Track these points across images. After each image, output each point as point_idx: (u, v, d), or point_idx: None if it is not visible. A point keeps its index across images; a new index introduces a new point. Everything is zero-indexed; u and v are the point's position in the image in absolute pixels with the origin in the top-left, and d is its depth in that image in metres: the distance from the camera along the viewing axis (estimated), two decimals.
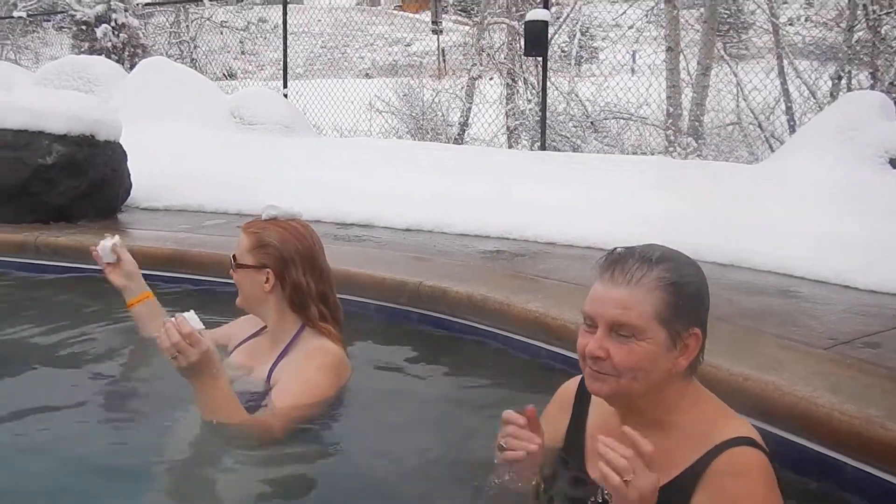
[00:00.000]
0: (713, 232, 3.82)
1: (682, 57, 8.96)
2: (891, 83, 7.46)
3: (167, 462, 1.98)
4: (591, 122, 9.58)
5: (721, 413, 1.54)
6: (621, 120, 9.38)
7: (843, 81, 8.24)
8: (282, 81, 9.80)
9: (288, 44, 9.94)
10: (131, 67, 8.67)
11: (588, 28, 11.66)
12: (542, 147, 7.52)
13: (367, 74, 14.28)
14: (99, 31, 10.07)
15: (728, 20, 10.29)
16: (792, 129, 8.10)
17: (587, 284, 1.54)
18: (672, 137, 7.76)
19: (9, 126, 4.47)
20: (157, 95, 6.90)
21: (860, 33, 8.31)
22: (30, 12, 14.76)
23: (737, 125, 8.86)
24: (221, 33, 13.49)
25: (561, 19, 10.45)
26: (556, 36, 10.03)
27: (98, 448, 2.03)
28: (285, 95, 9.25)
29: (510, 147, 9.76)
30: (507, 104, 10.30)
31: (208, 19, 13.32)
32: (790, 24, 9.64)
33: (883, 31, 8.06)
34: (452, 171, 5.56)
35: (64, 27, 13.23)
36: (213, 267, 3.41)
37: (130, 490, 1.85)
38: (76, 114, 4.63)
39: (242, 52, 14.61)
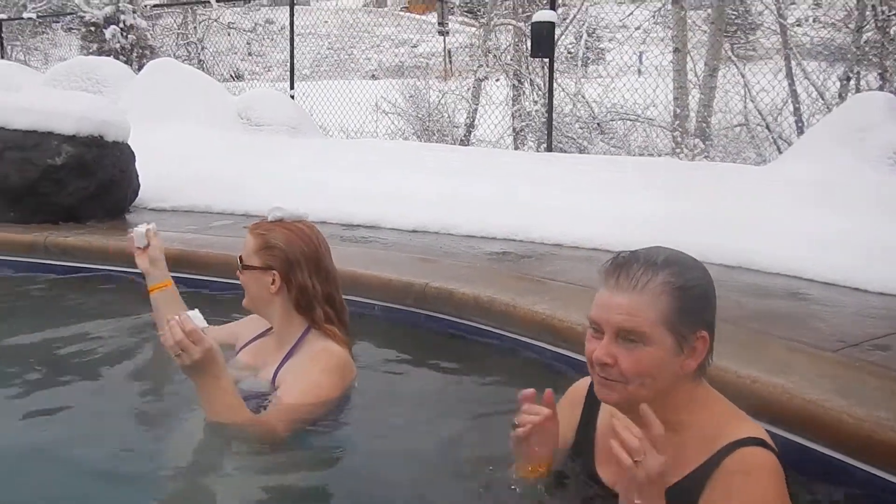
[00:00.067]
0: (720, 234, 3.81)
1: (689, 58, 8.95)
2: None
3: (170, 463, 1.98)
4: (598, 124, 9.57)
5: (731, 414, 1.53)
6: (628, 121, 9.37)
7: (852, 82, 8.21)
8: (288, 83, 9.82)
9: (295, 45, 9.97)
10: (139, 68, 8.70)
11: (595, 29, 11.65)
12: (549, 148, 7.51)
13: (374, 76, 14.30)
14: (107, 33, 10.11)
15: (735, 21, 10.26)
16: (800, 131, 8.07)
17: (594, 286, 1.54)
18: (679, 139, 7.75)
19: (18, 126, 4.49)
20: (164, 96, 6.93)
21: (869, 34, 8.28)
22: (39, 14, 14.85)
23: (744, 126, 8.84)
24: (229, 35, 13.53)
25: (567, 20, 10.44)
26: (563, 37, 10.02)
27: (101, 449, 2.03)
28: (292, 97, 9.26)
29: (516, 148, 9.76)
30: (514, 105, 10.30)
31: (216, 21, 13.37)
32: (798, 25, 9.61)
33: (892, 32, 8.03)
34: (459, 173, 5.56)
35: (73, 28, 13.29)
36: (220, 268, 3.42)
37: (134, 491, 1.85)
38: (85, 115, 4.65)
39: (249, 54, 14.66)
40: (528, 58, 9.66)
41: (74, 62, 8.07)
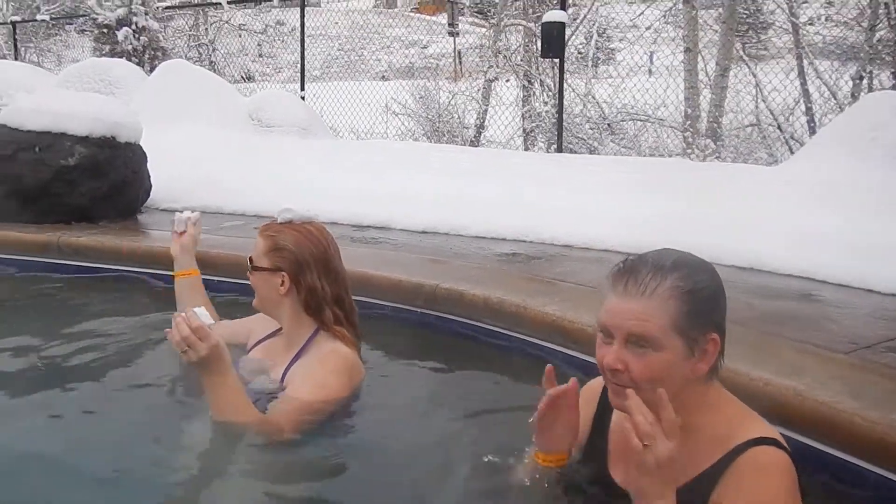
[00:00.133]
0: (731, 235, 3.79)
1: (700, 58, 8.92)
2: None
3: (176, 462, 1.98)
4: (608, 124, 9.55)
5: (743, 415, 1.53)
6: (638, 122, 9.34)
7: (865, 81, 8.16)
8: (299, 84, 9.85)
9: (305, 46, 10.00)
10: (151, 70, 8.75)
11: (605, 29, 11.63)
12: (559, 149, 7.50)
13: (384, 77, 14.32)
14: (120, 35, 10.18)
15: (747, 20, 10.22)
16: (812, 131, 8.03)
17: (603, 289, 1.54)
18: (690, 139, 7.72)
19: (32, 128, 4.52)
20: (176, 98, 6.97)
21: (882, 32, 8.23)
22: (52, 16, 14.96)
23: (756, 126, 8.80)
24: (240, 36, 13.59)
25: (578, 21, 10.42)
26: (573, 37, 10.00)
27: (106, 449, 2.04)
28: (302, 98, 9.29)
29: (526, 149, 9.76)
30: (524, 106, 10.30)
31: (227, 22, 13.43)
32: (810, 24, 9.56)
33: None
34: (468, 174, 5.56)
35: (86, 30, 13.40)
36: (230, 268, 3.43)
37: (140, 489, 1.85)
38: (98, 116, 4.68)
39: (260, 55, 14.71)
40: (539, 58, 9.66)
41: (87, 64, 8.13)
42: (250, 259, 2.30)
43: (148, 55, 10.21)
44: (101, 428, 2.18)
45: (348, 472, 1.98)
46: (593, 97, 9.91)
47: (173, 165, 5.38)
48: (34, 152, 4.46)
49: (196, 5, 13.04)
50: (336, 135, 9.43)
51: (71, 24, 15.09)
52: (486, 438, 2.08)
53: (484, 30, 12.61)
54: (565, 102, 7.82)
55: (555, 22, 6.98)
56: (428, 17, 18.25)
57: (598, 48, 11.15)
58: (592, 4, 10.59)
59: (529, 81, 10.51)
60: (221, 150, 6.21)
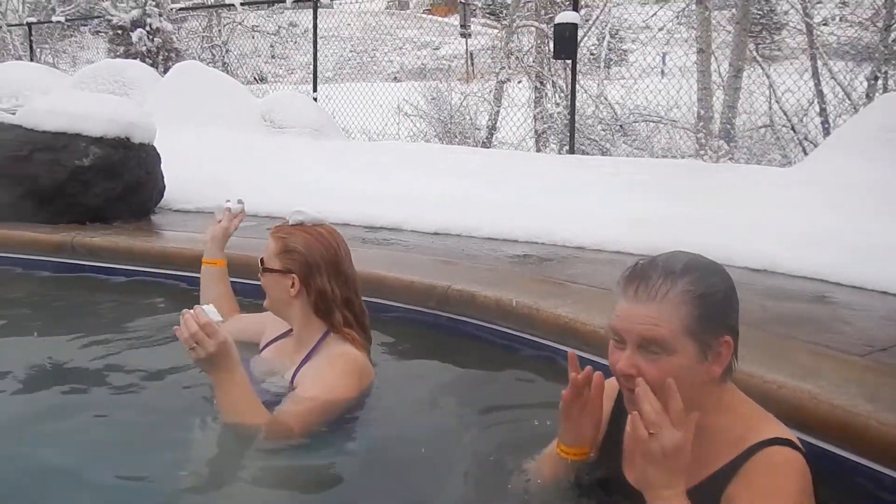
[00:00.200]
0: (744, 236, 3.77)
1: (713, 59, 8.86)
2: None
3: (185, 463, 1.97)
4: (621, 126, 9.52)
5: (758, 416, 1.52)
6: (651, 123, 9.31)
7: (880, 82, 8.10)
8: (311, 85, 9.88)
9: (318, 48, 10.03)
10: (165, 71, 8.82)
11: (618, 30, 11.60)
12: (571, 151, 7.49)
13: (396, 78, 14.34)
14: (134, 36, 10.26)
15: (760, 21, 10.16)
16: (826, 132, 7.97)
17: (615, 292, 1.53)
18: (703, 140, 7.68)
19: (48, 128, 4.56)
20: (189, 99, 7.02)
21: None
22: (68, 17, 15.11)
23: (769, 128, 8.74)
24: (253, 37, 13.65)
25: (590, 22, 10.40)
26: (586, 38, 9.98)
27: (111, 450, 2.04)
28: (315, 99, 9.33)
29: (538, 151, 9.75)
30: (536, 108, 10.29)
31: (240, 24, 13.50)
32: (824, 24, 9.50)
33: None
34: (480, 175, 5.56)
35: (100, 32, 13.50)
36: (241, 268, 3.44)
37: (147, 489, 1.86)
38: (112, 117, 4.71)
39: (273, 56, 14.77)
40: (551, 59, 9.64)
41: (102, 65, 8.21)
42: (261, 260, 2.31)
43: (162, 56, 10.29)
44: (109, 429, 2.17)
45: (357, 474, 1.98)
46: (605, 98, 9.88)
47: (186, 166, 5.41)
48: (50, 152, 4.49)
49: (209, 7, 13.13)
50: (348, 136, 9.45)
51: (86, 25, 15.22)
52: (497, 440, 2.08)
53: (496, 31, 12.62)
54: (577, 104, 7.80)
55: (567, 23, 6.97)
56: (440, 19, 18.28)
57: (610, 49, 11.12)
58: (605, 5, 10.56)
59: (541, 83, 10.49)
60: (234, 151, 6.25)
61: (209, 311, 1.87)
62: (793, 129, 8.55)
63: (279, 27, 14.19)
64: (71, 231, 4.20)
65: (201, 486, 1.90)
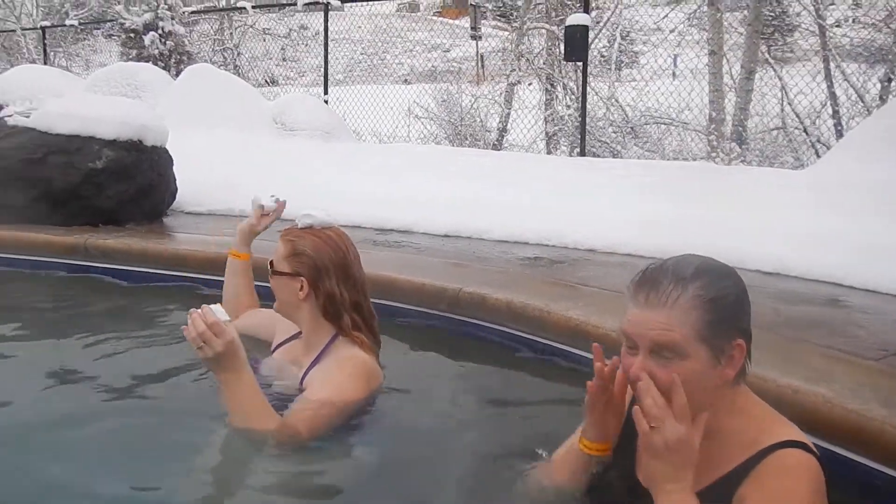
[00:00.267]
0: (756, 239, 3.75)
1: (725, 60, 8.82)
2: None
3: (191, 466, 1.97)
4: (632, 128, 9.50)
5: (772, 419, 1.52)
6: (662, 125, 9.28)
7: (893, 84, 8.03)
8: (322, 88, 9.92)
9: (328, 50, 10.06)
10: (177, 74, 8.87)
11: (629, 32, 11.57)
12: (582, 153, 7.47)
13: (406, 80, 14.37)
14: (147, 39, 10.33)
15: (773, 22, 10.12)
16: (839, 134, 7.93)
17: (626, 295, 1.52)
18: (715, 143, 7.65)
19: (61, 131, 4.59)
20: (201, 101, 7.05)
21: None
22: (81, 21, 15.24)
23: (782, 130, 8.70)
24: (264, 40, 13.71)
25: (601, 24, 10.38)
26: (597, 40, 9.96)
27: (116, 450, 2.04)
28: (326, 102, 9.35)
29: (549, 153, 9.74)
30: (546, 110, 10.28)
31: (251, 27, 13.56)
32: (837, 26, 9.45)
33: None
34: (490, 177, 5.56)
35: (113, 35, 13.60)
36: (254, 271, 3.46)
37: (153, 490, 1.86)
38: (125, 120, 4.74)
39: (284, 59, 14.81)
40: (562, 62, 9.64)
41: (114, 68, 8.27)
42: (271, 263, 2.32)
43: (174, 59, 10.36)
44: (115, 432, 2.17)
45: (366, 477, 1.98)
46: (616, 100, 9.86)
47: (198, 169, 5.43)
48: (64, 154, 4.53)
49: (221, 10, 13.22)
50: (359, 138, 9.47)
51: (99, 28, 15.34)
52: (508, 443, 2.08)
53: (507, 33, 12.62)
54: (588, 106, 7.78)
55: (578, 25, 6.96)
56: (451, 21, 18.31)
57: (621, 51, 11.10)
58: (616, 7, 10.55)
59: (552, 85, 10.49)
60: (245, 154, 6.27)
61: (217, 310, 1.87)
62: (805, 131, 8.51)
63: (290, 30, 14.23)
64: (84, 233, 4.23)
65: (207, 489, 1.91)
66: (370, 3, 11.42)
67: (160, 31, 10.38)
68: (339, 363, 2.20)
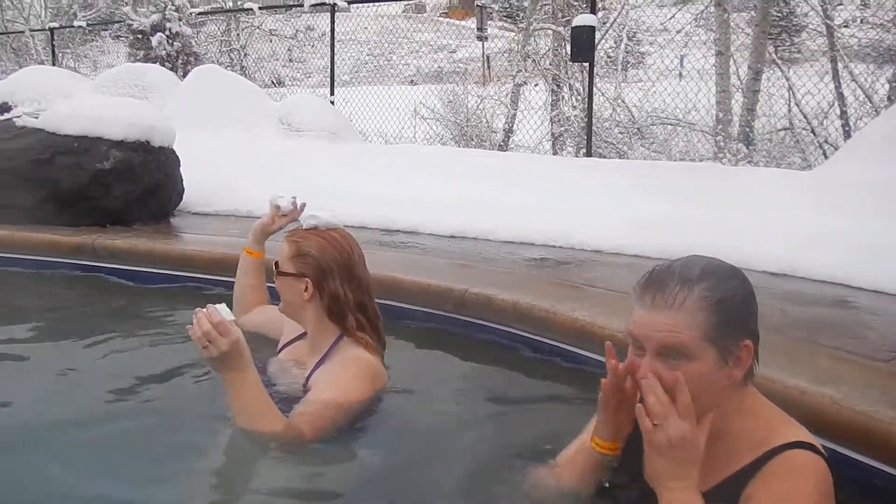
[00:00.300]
0: (763, 240, 3.74)
1: (732, 61, 8.79)
2: None
3: (195, 467, 1.97)
4: (638, 129, 9.48)
5: (780, 420, 1.51)
6: (669, 126, 9.25)
7: None
8: (328, 88, 9.93)
9: (335, 51, 10.08)
10: (184, 75, 8.90)
11: (635, 33, 11.55)
12: (588, 154, 7.46)
13: (412, 81, 14.39)
14: (154, 40, 10.37)
15: (780, 23, 10.08)
16: (847, 135, 7.89)
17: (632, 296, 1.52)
18: (722, 143, 7.62)
19: (69, 132, 4.61)
20: (208, 102, 7.07)
21: None
22: (89, 22, 15.31)
23: (789, 131, 8.67)
24: (270, 41, 13.76)
25: (608, 24, 10.37)
26: (603, 41, 9.95)
27: (120, 451, 2.04)
28: (332, 102, 9.37)
29: (555, 154, 9.72)
30: (553, 110, 10.26)
31: (258, 28, 13.61)
32: (845, 26, 9.41)
33: None
34: (497, 178, 5.56)
35: (121, 36, 13.66)
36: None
37: (158, 492, 1.86)
38: (132, 120, 4.76)
39: (290, 60, 14.86)
40: (568, 62, 9.62)
41: (122, 69, 8.30)
42: (276, 264, 2.32)
43: (181, 60, 10.39)
44: (120, 432, 2.17)
45: (370, 478, 1.97)
46: (623, 101, 9.84)
47: (205, 169, 5.45)
48: (72, 155, 4.55)
49: (228, 11, 13.25)
50: (365, 139, 9.48)
51: (106, 30, 15.42)
52: (514, 444, 2.07)
53: (513, 34, 12.61)
54: (594, 107, 7.77)
55: (585, 26, 6.95)
56: (457, 22, 18.32)
57: (627, 52, 11.09)
58: (622, 8, 10.53)
59: (558, 86, 10.47)
60: (252, 155, 6.29)
61: (222, 309, 1.87)
62: (813, 132, 8.47)
63: (296, 31, 14.28)
64: (92, 233, 4.25)
65: (211, 490, 1.91)
66: (376, 4, 11.43)
67: (167, 33, 10.42)
68: (343, 364, 2.20)
